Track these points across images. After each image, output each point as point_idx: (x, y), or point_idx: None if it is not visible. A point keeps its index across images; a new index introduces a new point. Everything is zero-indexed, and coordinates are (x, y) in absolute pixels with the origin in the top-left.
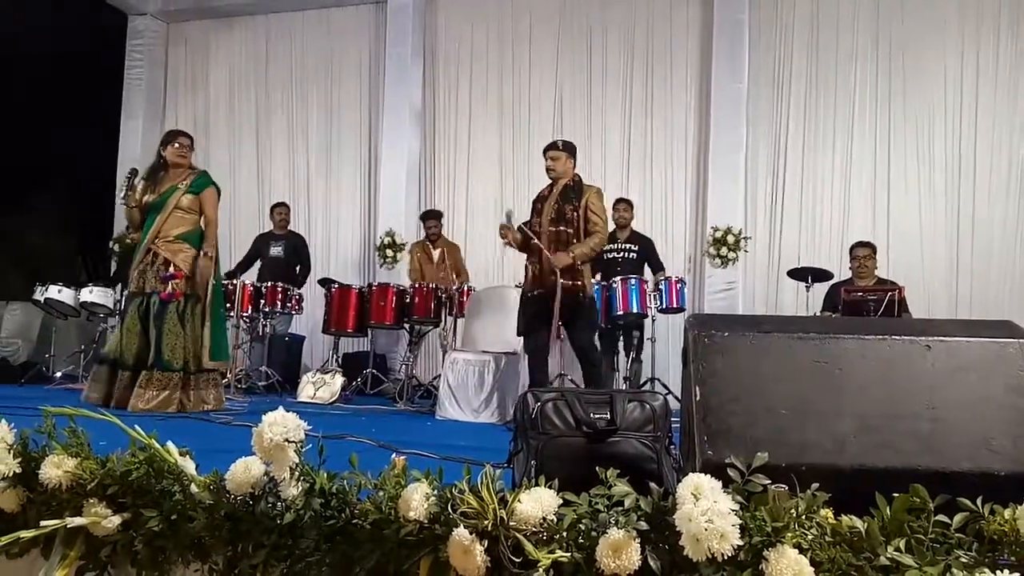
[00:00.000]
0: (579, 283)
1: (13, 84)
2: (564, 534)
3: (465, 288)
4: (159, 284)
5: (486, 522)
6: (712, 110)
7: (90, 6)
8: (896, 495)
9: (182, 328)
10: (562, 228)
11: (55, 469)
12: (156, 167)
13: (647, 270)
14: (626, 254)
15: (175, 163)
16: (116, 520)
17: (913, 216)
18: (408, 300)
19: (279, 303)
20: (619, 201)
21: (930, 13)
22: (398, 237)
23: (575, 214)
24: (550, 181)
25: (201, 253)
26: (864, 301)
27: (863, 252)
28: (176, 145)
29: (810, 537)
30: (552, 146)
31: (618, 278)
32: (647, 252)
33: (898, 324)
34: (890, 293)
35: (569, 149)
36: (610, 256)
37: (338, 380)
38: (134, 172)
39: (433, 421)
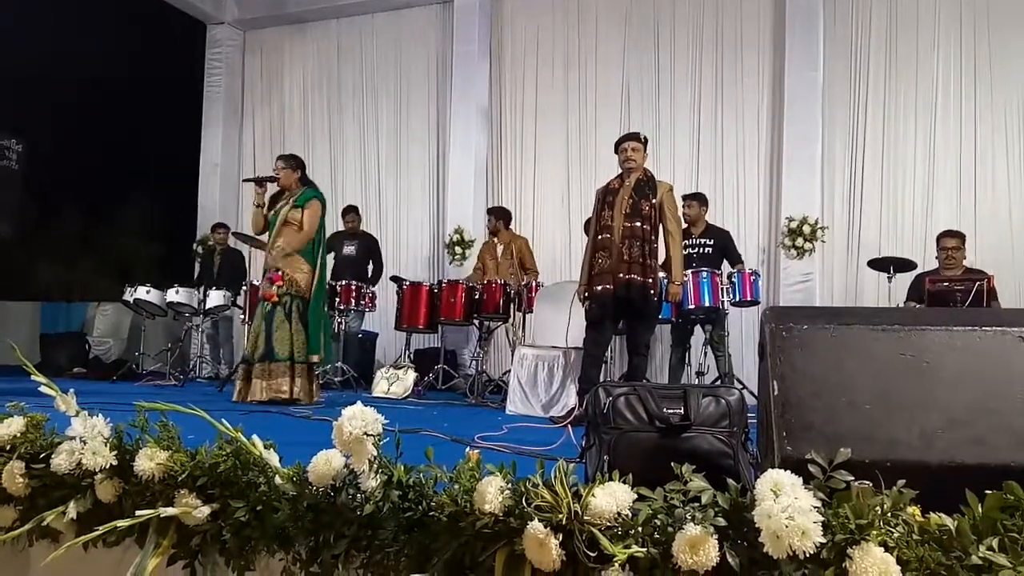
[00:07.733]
0: (651, 280)
1: (99, 98)
2: (639, 529)
3: (533, 284)
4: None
5: (560, 516)
6: (786, 99)
7: (169, 17)
8: (988, 492)
9: (288, 324)
10: (637, 224)
11: (148, 462)
12: (276, 194)
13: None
14: (701, 249)
15: (280, 184)
16: (205, 510)
17: (1002, 201)
18: (477, 296)
19: (353, 300)
20: (685, 198)
21: None
22: (466, 234)
23: (652, 211)
24: (619, 173)
25: (279, 248)
26: (950, 291)
27: (951, 243)
28: (273, 168)
29: (896, 535)
30: (633, 137)
31: (689, 271)
32: (724, 245)
33: (988, 315)
34: (978, 283)
35: (646, 142)
36: (685, 252)
37: (411, 375)
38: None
39: (503, 415)
